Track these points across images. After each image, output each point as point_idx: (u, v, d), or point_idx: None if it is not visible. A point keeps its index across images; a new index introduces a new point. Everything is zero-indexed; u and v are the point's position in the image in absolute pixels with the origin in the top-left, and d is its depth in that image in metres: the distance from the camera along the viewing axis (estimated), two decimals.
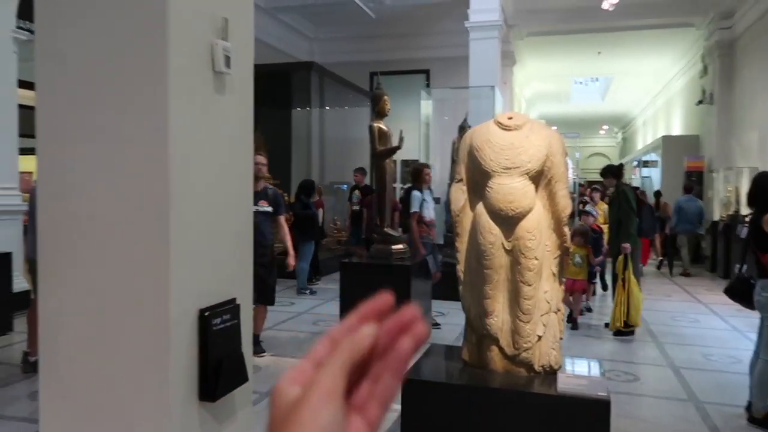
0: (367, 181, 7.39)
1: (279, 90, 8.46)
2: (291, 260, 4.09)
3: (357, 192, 7.22)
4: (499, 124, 2.38)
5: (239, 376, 1.67)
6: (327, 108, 9.41)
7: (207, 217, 1.55)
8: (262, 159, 3.97)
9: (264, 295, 3.77)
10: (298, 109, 9.16)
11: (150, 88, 1.37)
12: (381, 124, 4.15)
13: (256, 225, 3.16)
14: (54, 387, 1.54)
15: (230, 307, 1.63)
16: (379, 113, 4.16)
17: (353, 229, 7.22)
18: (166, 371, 1.42)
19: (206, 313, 1.53)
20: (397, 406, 2.36)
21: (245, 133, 1.72)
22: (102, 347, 1.47)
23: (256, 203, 3.54)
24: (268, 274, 3.83)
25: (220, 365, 1.56)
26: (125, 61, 1.38)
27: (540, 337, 2.30)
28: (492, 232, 2.27)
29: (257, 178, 3.55)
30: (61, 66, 1.43)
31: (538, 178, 2.29)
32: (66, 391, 1.52)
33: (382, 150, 4.12)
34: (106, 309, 1.46)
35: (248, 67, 1.72)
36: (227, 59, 1.54)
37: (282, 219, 4.06)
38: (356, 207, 7.07)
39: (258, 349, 3.72)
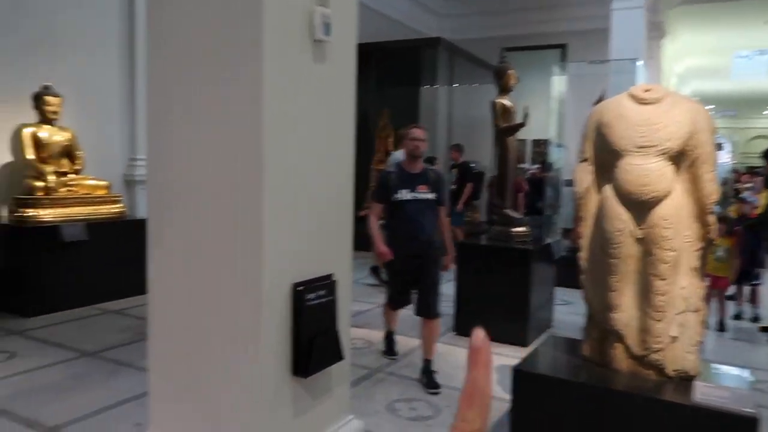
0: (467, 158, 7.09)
1: (406, 67, 8.40)
2: (449, 261, 3.21)
3: (454, 171, 7.00)
4: (634, 98, 2.11)
5: (334, 354, 1.63)
6: (455, 85, 9.22)
7: (303, 190, 1.51)
8: (420, 133, 3.09)
9: (426, 304, 3.04)
10: (426, 86, 9.06)
11: (244, 57, 1.34)
12: (504, 100, 3.92)
13: (411, 215, 2.99)
14: (159, 353, 1.61)
15: (326, 283, 1.59)
16: (503, 88, 3.93)
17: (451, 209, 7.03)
18: (258, 344, 1.41)
19: (300, 288, 1.50)
20: (507, 397, 2.23)
21: (346, 104, 1.66)
22: (199, 318, 1.49)
23: (412, 187, 3.02)
24: (427, 277, 3.04)
25: (313, 341, 1.53)
26: (220, 30, 1.36)
27: (674, 339, 2.03)
28: (620, 218, 2.03)
29: (414, 156, 3.09)
30: (165, 39, 1.45)
31: (678, 158, 2.00)
32: (168, 357, 1.57)
33: (504, 127, 3.90)
34: (203, 278, 1.48)
35: (350, 35, 1.64)
36: (327, 26, 1.48)
37: (443, 210, 3.20)
38: (453, 186, 6.84)
39: (431, 381, 2.91)
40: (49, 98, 4.46)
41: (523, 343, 3.62)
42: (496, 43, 8.67)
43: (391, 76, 7.67)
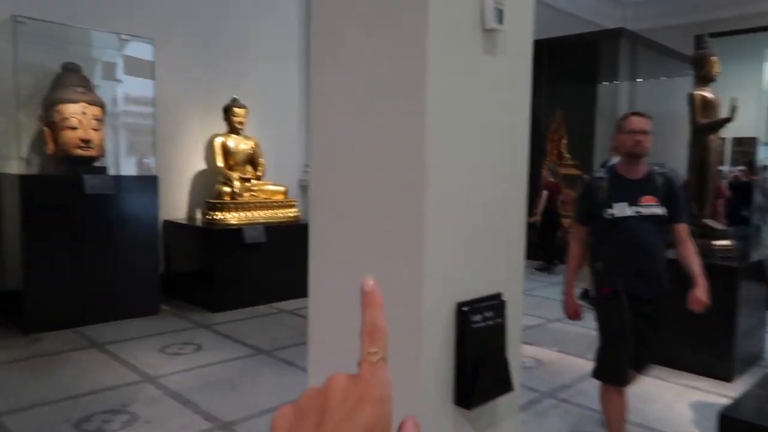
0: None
1: (582, 63, 7.82)
2: (700, 294, 2.22)
3: None
4: None
5: (502, 384, 1.45)
6: (639, 80, 8.39)
7: (470, 197, 1.35)
8: (642, 123, 2.24)
9: (643, 359, 2.26)
10: (605, 83, 8.35)
11: (405, 51, 1.22)
12: (705, 92, 3.38)
13: (632, 238, 2.16)
14: (316, 365, 1.55)
15: (494, 304, 1.41)
16: (703, 78, 3.38)
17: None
18: (417, 369, 1.28)
19: (465, 308, 1.34)
20: None
21: (520, 101, 1.46)
22: (356, 334, 1.40)
23: (633, 199, 2.20)
24: (656, 330, 2.24)
25: (478, 368, 1.37)
26: (381, 22, 1.26)
27: None
28: None
29: (634, 156, 2.23)
30: (325, 38, 1.38)
31: None
32: (325, 371, 1.51)
33: (705, 123, 3.36)
34: (358, 294, 1.38)
35: (526, 23, 1.45)
36: (499, 13, 1.30)
37: (683, 229, 2.29)
38: None
39: None
40: (236, 109, 4.84)
41: (726, 377, 3.08)
42: (689, 30, 7.73)
43: (565, 72, 7.18)
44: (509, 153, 1.45)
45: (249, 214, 4.67)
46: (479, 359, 1.37)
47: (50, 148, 3.87)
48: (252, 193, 4.83)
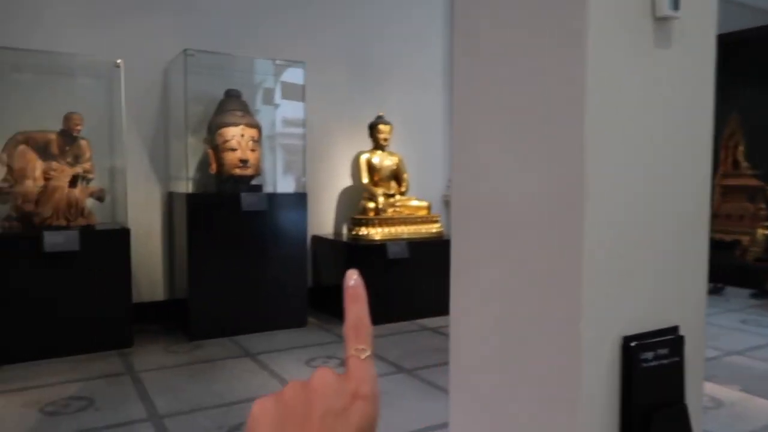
0: None
1: (763, 61, 6.88)
2: None
3: None
4: None
5: None
6: None
7: (638, 213, 1.15)
8: None
9: None
10: None
11: (561, 44, 1.07)
12: None
13: None
14: (458, 395, 1.43)
15: (669, 339, 1.20)
16: None
17: None
18: (573, 413, 1.11)
19: (632, 343, 1.15)
20: None
21: (701, 100, 1.23)
22: (502, 367, 1.26)
23: None
24: None
25: (650, 417, 1.16)
26: (534, 10, 1.12)
27: None
28: None
29: None
30: (471, 38, 1.28)
31: None
32: (468, 402, 1.38)
33: None
34: (506, 318, 1.24)
35: (708, 7, 1.22)
36: None
37: None
38: None
39: None
40: (381, 126, 4.90)
41: None
42: None
43: (744, 73, 6.36)
44: (687, 161, 1.22)
45: (392, 229, 4.69)
46: (651, 405, 1.16)
47: (213, 168, 4.18)
48: (395, 208, 4.84)
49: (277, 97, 4.74)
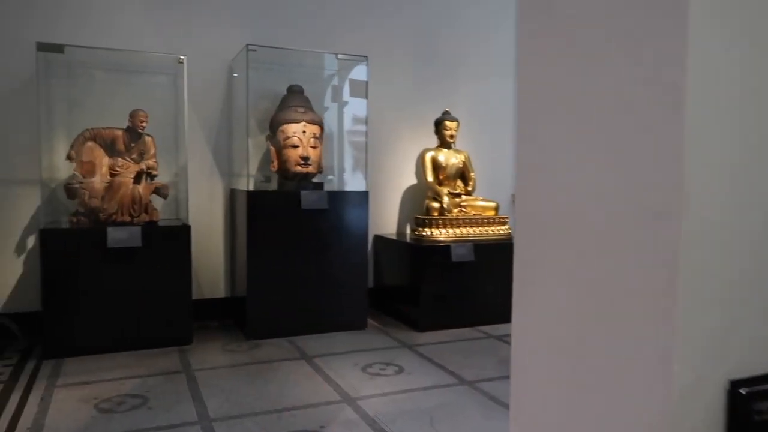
0: None
1: None
2: None
3: None
4: None
5: None
6: None
7: (750, 229, 0.91)
8: None
9: None
10: None
11: (654, 27, 0.84)
12: None
13: None
14: (520, 407, 1.22)
15: None
16: None
17: None
18: None
19: (742, 390, 0.91)
20: None
21: None
22: (570, 406, 1.05)
23: None
24: None
25: None
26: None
27: None
28: None
29: None
30: (539, 27, 1.07)
31: None
32: (530, 414, 1.17)
33: None
34: (580, 345, 1.03)
35: None
36: None
37: None
38: None
39: None
40: (448, 123, 4.69)
41: None
42: None
43: None
44: None
45: (458, 230, 4.47)
46: None
47: (274, 165, 4.12)
48: (461, 208, 4.63)
49: (340, 93, 4.63)
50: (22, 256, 3.85)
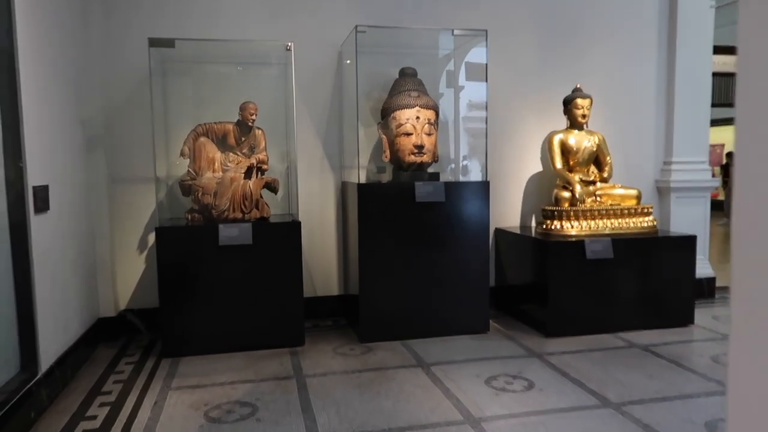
0: None
1: None
2: None
3: None
4: None
5: None
6: None
7: None
8: None
9: None
10: None
11: None
12: None
13: None
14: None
15: None
16: None
17: None
18: None
19: None
20: None
21: None
22: None
23: None
24: None
25: None
26: None
27: None
28: None
29: None
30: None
31: None
32: None
33: None
34: None
35: None
36: None
37: None
38: None
39: None
40: (579, 101, 4.14)
41: None
42: None
43: None
44: None
45: (592, 223, 3.94)
46: None
47: (386, 155, 3.85)
48: (596, 198, 4.07)
49: (456, 74, 4.24)
50: (144, 253, 3.90)
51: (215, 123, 3.70)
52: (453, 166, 4.32)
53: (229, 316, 3.45)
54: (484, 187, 3.81)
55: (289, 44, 3.60)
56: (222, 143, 3.72)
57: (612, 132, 4.42)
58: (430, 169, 3.92)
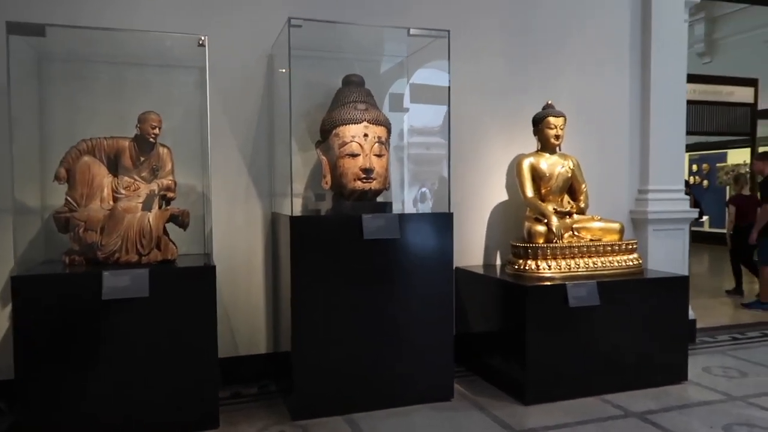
0: None
1: None
2: None
3: None
4: None
5: None
6: None
7: None
8: None
9: None
10: None
11: None
12: None
13: None
14: None
15: None
16: None
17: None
18: None
19: None
20: None
21: None
22: None
23: None
24: None
25: None
26: None
27: None
28: None
29: None
30: None
31: None
32: None
33: None
34: None
35: None
36: None
37: None
38: None
39: None
40: (552, 119, 3.56)
41: None
42: None
43: None
44: None
45: (572, 262, 3.32)
46: None
47: (326, 181, 3.12)
48: (574, 233, 3.47)
49: (411, 81, 3.58)
50: (8, 308, 2.98)
51: (105, 138, 2.88)
52: (405, 195, 3.64)
53: (114, 392, 2.59)
54: (446, 220, 3.13)
55: (202, 38, 2.83)
56: (114, 164, 2.90)
57: (582, 156, 3.85)
58: (379, 198, 3.22)
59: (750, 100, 8.75)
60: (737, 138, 9.53)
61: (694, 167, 12.48)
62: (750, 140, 9.70)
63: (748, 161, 10.19)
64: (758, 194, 5.97)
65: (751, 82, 8.67)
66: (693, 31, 10.25)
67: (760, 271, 5.83)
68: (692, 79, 4.36)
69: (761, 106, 8.64)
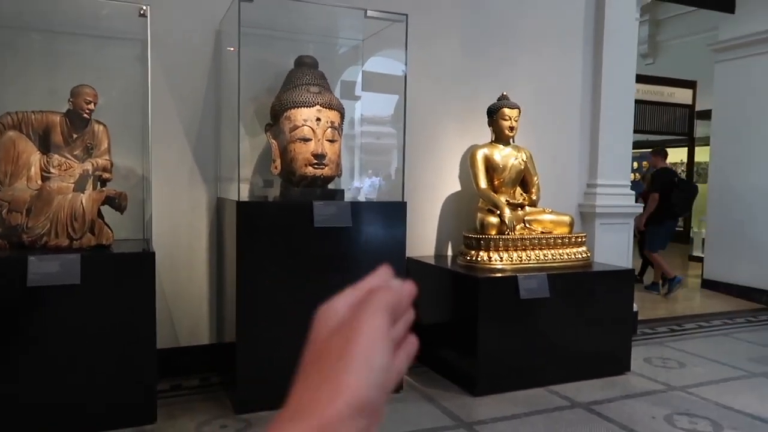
0: None
1: None
2: None
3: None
4: None
5: None
6: None
7: None
8: None
9: None
10: None
11: None
12: None
13: None
14: None
15: None
16: None
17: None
18: None
19: None
20: None
21: None
22: None
23: None
24: None
25: None
26: None
27: None
28: None
29: None
30: None
31: None
32: None
33: None
34: None
35: None
36: None
37: None
38: None
39: None
40: (507, 110, 3.54)
41: None
42: None
43: None
44: None
45: (523, 254, 3.32)
46: None
47: (276, 166, 2.99)
48: (526, 224, 3.47)
49: (366, 68, 3.48)
50: None
51: (34, 112, 2.66)
52: (357, 182, 3.55)
53: (41, 386, 2.40)
54: (399, 209, 3.07)
55: (144, 8, 2.64)
56: (44, 141, 2.68)
57: (534, 149, 3.86)
58: (331, 185, 3.12)
59: (689, 101, 9.11)
60: (676, 137, 9.89)
61: (635, 164, 12.90)
62: (688, 140, 10.09)
63: (686, 160, 10.61)
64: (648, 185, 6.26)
65: (691, 84, 9.00)
66: (638, 33, 10.57)
67: (649, 256, 6.13)
68: (636, 79, 4.45)
69: (699, 107, 8.98)
